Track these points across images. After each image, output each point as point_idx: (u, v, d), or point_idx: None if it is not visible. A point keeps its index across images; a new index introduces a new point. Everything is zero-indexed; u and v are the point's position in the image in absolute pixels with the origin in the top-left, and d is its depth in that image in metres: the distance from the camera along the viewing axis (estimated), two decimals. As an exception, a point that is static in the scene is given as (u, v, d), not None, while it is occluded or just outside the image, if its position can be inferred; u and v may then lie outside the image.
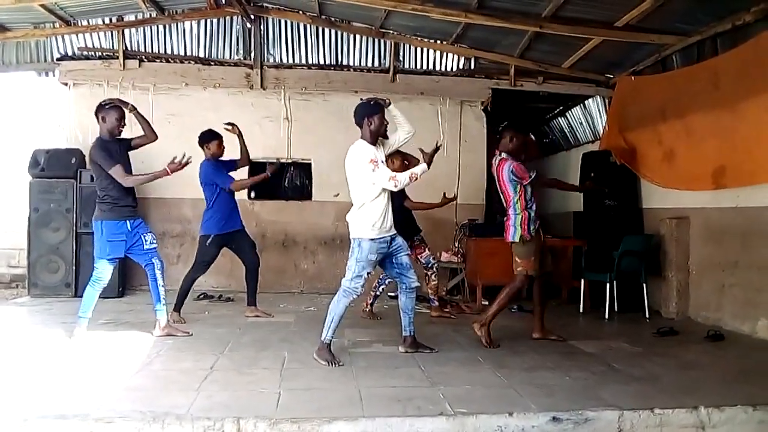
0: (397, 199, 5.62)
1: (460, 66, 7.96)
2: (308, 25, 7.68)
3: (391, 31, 7.64)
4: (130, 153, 4.77)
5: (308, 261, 7.78)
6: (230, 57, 7.74)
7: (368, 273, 4.11)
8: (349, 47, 7.82)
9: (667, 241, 6.18)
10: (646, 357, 4.39)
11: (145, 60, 7.57)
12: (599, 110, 7.93)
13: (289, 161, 7.89)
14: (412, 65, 7.93)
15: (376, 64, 7.89)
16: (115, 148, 4.57)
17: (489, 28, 6.65)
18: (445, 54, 7.90)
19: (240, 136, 5.60)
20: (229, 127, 5.57)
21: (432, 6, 6.20)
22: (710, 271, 5.75)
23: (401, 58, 7.89)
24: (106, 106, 4.61)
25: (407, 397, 3.27)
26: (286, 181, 8.06)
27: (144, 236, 4.64)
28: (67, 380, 3.51)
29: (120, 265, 5.42)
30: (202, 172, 5.51)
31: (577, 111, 8.51)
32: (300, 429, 2.85)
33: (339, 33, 7.75)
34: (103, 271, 4.56)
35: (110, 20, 7.37)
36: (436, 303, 5.97)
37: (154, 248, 4.71)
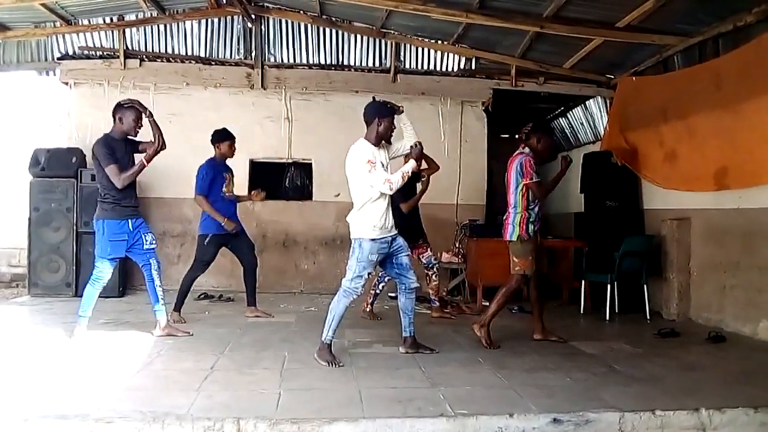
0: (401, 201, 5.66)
1: (461, 66, 7.95)
2: (309, 25, 7.68)
3: (392, 31, 7.64)
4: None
5: (309, 261, 7.78)
6: (231, 57, 7.74)
7: (369, 273, 4.10)
8: (350, 47, 7.82)
9: (668, 241, 6.17)
10: (647, 358, 4.38)
11: (146, 59, 7.58)
12: (600, 111, 7.92)
13: (290, 161, 7.89)
14: (413, 65, 7.93)
15: (377, 64, 7.89)
16: (121, 147, 4.53)
17: (490, 28, 6.64)
18: (446, 54, 7.90)
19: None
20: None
21: (433, 6, 6.20)
22: (711, 273, 5.74)
23: (402, 58, 7.89)
24: (125, 106, 4.54)
25: (408, 398, 3.26)
26: (286, 181, 8.06)
27: (144, 236, 4.63)
28: (68, 380, 3.51)
29: (120, 264, 5.43)
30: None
31: (578, 111, 8.50)
32: (300, 430, 2.84)
33: (340, 33, 7.75)
34: (104, 271, 4.56)
35: (111, 19, 7.38)
36: (437, 303, 5.96)
37: (153, 249, 4.69)
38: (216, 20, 7.62)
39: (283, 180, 8.03)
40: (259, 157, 7.73)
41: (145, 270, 4.68)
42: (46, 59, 7.65)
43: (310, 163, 7.87)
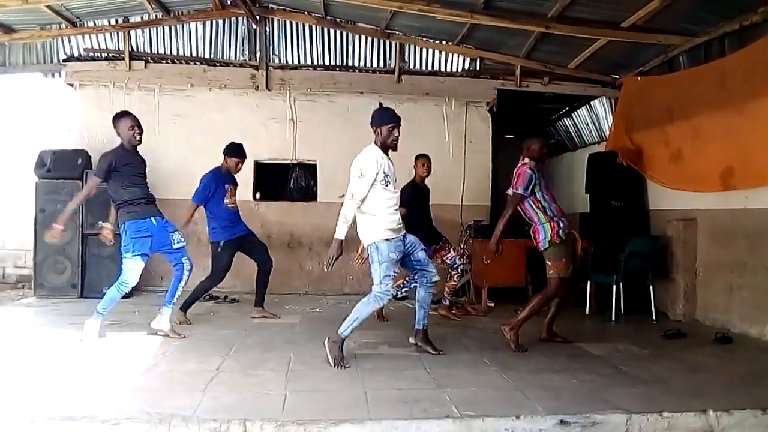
0: (420, 211, 5.67)
1: (466, 66, 7.94)
2: (313, 26, 7.68)
3: (397, 32, 7.64)
4: None
5: (313, 262, 7.77)
6: (236, 58, 7.75)
7: (395, 272, 4.10)
8: (354, 48, 7.82)
9: (674, 242, 6.15)
10: (654, 360, 4.36)
11: (151, 61, 7.59)
12: (605, 111, 7.90)
13: (295, 162, 7.89)
14: (418, 66, 7.92)
15: (382, 64, 7.89)
16: (130, 156, 4.62)
17: (495, 28, 6.63)
18: (450, 54, 7.89)
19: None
20: None
21: (438, 6, 6.19)
22: (718, 273, 5.71)
23: (407, 59, 7.88)
24: (116, 117, 4.67)
25: (414, 400, 3.26)
26: (291, 182, 8.07)
27: (171, 235, 4.68)
28: (74, 381, 3.52)
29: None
30: None
31: (583, 112, 8.49)
32: (306, 431, 2.84)
33: (344, 34, 7.75)
34: (131, 272, 4.55)
35: (116, 21, 7.40)
36: (447, 302, 5.97)
37: (182, 247, 4.75)
38: (220, 21, 7.64)
39: (287, 181, 8.05)
40: (263, 158, 7.73)
41: (177, 269, 4.76)
42: (51, 61, 7.68)
43: (315, 164, 7.87)
